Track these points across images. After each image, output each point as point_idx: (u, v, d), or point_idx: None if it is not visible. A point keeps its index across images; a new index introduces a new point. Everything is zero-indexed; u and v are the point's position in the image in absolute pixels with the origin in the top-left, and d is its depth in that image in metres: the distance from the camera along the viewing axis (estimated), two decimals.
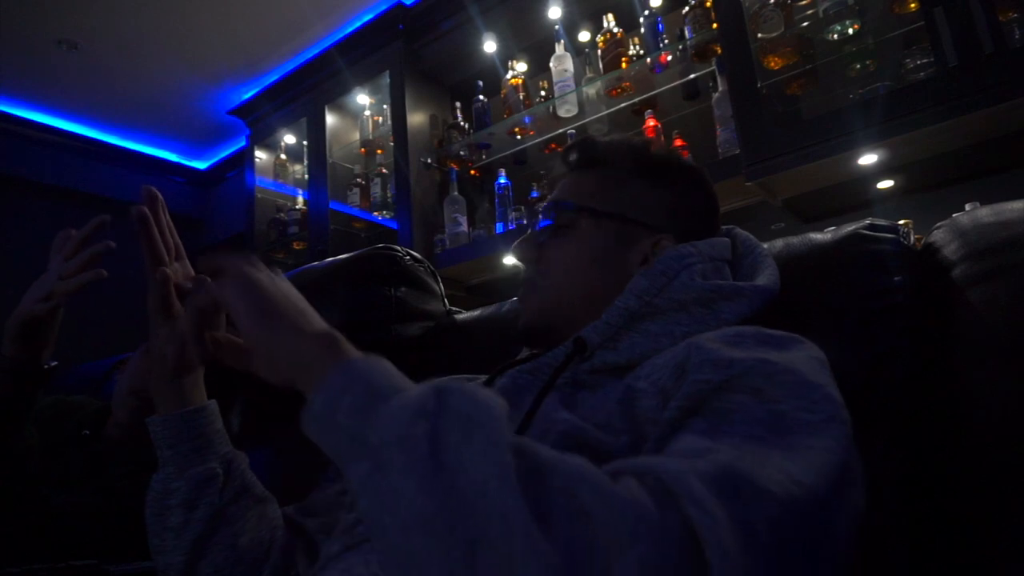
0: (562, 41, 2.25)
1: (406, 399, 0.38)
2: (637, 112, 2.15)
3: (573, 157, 0.74)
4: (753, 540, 0.33)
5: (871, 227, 0.71)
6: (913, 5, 1.61)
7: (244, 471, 0.66)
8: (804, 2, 1.76)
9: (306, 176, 2.98)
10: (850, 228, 0.73)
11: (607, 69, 2.12)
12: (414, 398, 0.38)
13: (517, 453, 0.34)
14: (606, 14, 2.13)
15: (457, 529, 0.31)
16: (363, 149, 2.86)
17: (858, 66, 1.73)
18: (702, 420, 0.44)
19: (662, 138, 2.03)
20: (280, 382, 0.48)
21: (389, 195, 2.69)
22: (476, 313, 1.12)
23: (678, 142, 2.02)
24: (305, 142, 2.98)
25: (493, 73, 2.47)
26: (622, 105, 2.19)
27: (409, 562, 0.32)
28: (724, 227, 0.73)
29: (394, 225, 2.57)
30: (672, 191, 0.69)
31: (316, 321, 0.49)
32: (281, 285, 0.51)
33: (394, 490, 0.34)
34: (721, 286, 0.60)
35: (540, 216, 0.71)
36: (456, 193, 2.42)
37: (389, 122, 2.59)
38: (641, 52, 2.09)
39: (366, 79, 2.71)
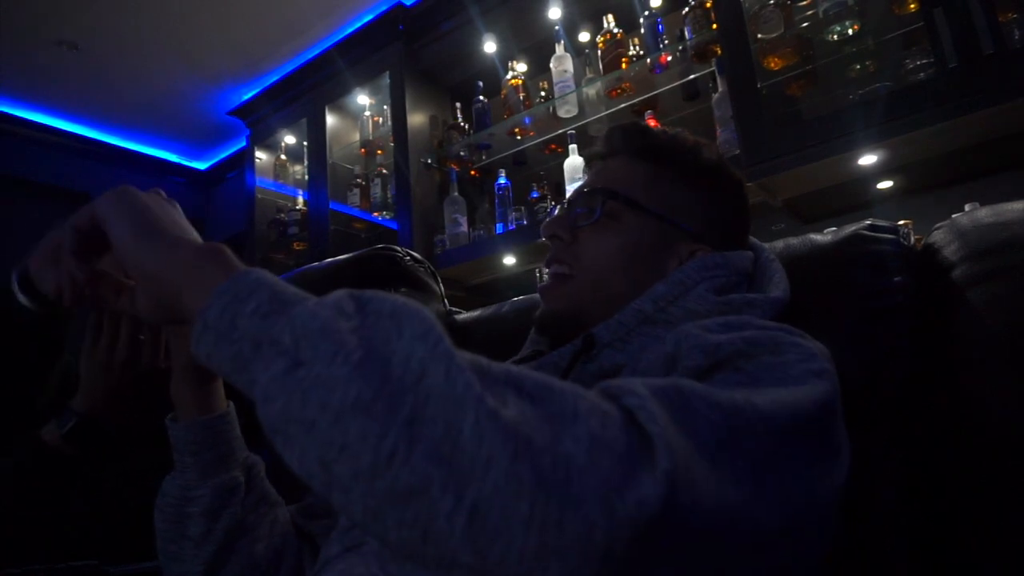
0: (562, 42, 2.25)
1: (320, 301, 0.35)
2: (637, 112, 2.15)
3: (623, 140, 0.70)
4: (694, 437, 0.34)
5: (871, 228, 0.71)
6: (913, 5, 1.61)
7: (262, 478, 0.65)
8: (804, 3, 1.76)
9: (306, 176, 2.98)
10: (850, 229, 0.73)
11: (607, 70, 2.12)
12: (329, 300, 0.35)
13: (452, 348, 0.33)
14: (606, 15, 2.13)
15: (397, 410, 0.29)
16: (363, 150, 2.86)
17: (858, 67, 1.73)
18: None
19: None
20: (163, 313, 0.45)
21: (389, 195, 2.68)
22: (476, 313, 1.12)
23: None
24: (305, 143, 2.98)
25: (493, 73, 2.47)
26: (622, 106, 2.18)
27: (343, 452, 0.30)
28: None
29: (394, 225, 2.57)
30: (716, 198, 0.68)
31: (198, 238, 0.47)
32: (164, 204, 0.49)
33: (322, 380, 0.31)
34: (732, 299, 0.59)
35: (582, 198, 0.67)
36: (456, 194, 2.42)
37: (389, 122, 2.59)
38: (641, 53, 2.09)
39: (366, 79, 2.70)
